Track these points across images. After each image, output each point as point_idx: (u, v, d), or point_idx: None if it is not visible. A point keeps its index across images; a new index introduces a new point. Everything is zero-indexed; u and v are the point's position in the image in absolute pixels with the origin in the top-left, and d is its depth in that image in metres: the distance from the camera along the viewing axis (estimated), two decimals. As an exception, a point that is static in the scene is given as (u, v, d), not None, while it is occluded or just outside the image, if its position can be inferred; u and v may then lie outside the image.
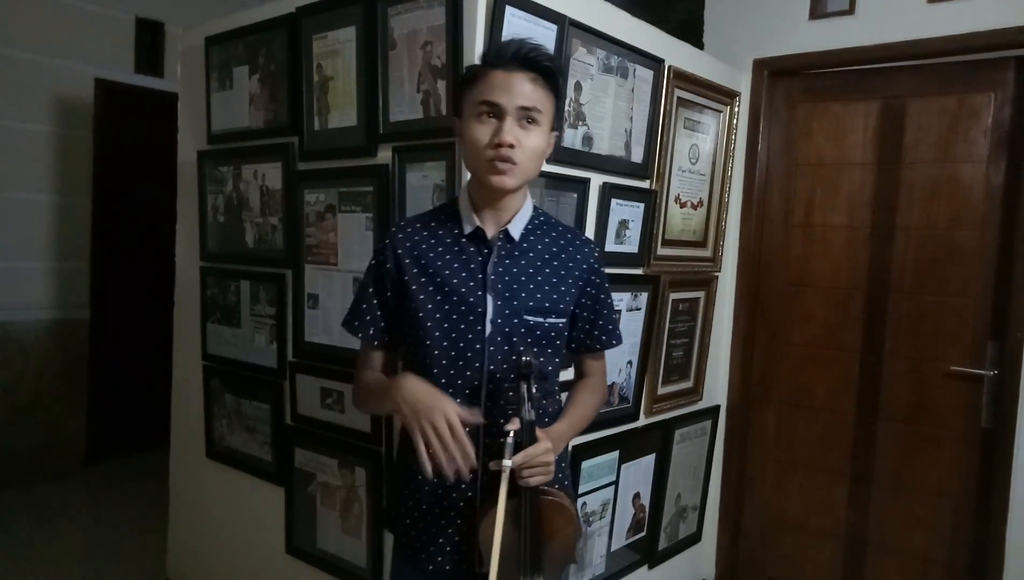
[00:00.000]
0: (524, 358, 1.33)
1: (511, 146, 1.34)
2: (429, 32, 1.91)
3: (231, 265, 2.58)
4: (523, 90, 1.35)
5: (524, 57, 1.36)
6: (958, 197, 2.59)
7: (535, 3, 1.92)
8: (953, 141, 2.60)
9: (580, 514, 2.19)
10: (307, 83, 2.24)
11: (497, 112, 1.36)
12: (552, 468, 1.36)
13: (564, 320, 1.49)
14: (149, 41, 4.25)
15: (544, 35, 1.95)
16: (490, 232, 1.45)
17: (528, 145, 1.37)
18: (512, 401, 1.37)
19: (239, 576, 2.62)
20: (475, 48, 1.83)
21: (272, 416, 2.45)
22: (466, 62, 1.83)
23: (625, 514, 2.54)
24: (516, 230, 1.46)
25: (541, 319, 1.44)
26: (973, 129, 2.57)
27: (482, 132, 1.36)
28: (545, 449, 1.33)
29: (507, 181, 1.37)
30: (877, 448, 2.75)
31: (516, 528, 1.36)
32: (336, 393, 2.22)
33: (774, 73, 2.91)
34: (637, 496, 2.58)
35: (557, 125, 1.50)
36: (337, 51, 2.15)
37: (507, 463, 1.29)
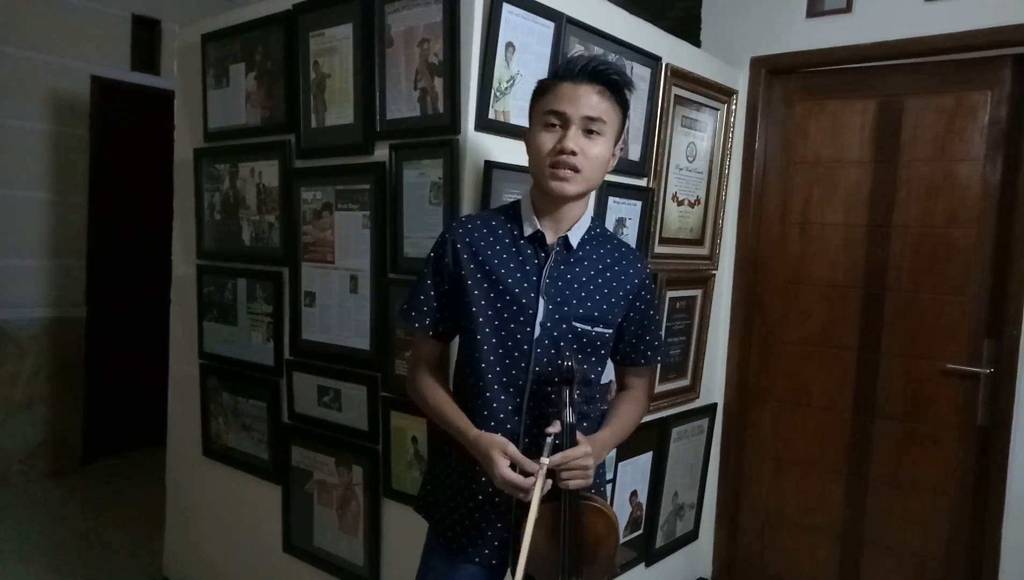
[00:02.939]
0: (567, 363, 1.35)
1: (574, 153, 1.38)
2: (426, 29, 1.91)
3: (228, 263, 2.58)
4: (589, 101, 1.39)
5: (592, 71, 1.40)
6: (955, 195, 2.60)
7: (533, 0, 1.91)
8: (950, 139, 2.60)
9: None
10: (304, 81, 2.24)
11: (563, 121, 1.40)
12: (591, 473, 1.38)
13: (611, 331, 1.51)
14: (145, 38, 4.24)
15: (541, 33, 1.95)
16: (549, 237, 1.48)
17: (591, 153, 1.41)
18: (554, 404, 1.39)
19: (236, 574, 2.62)
20: (472, 45, 1.82)
21: (269, 414, 2.45)
22: (463, 60, 1.83)
23: (622, 512, 2.54)
24: (575, 238, 1.49)
25: (589, 327, 1.46)
26: (970, 127, 2.57)
27: (547, 139, 1.41)
28: (584, 452, 1.35)
29: (568, 188, 1.41)
30: (874, 446, 2.76)
31: (556, 532, 1.37)
32: (333, 391, 2.22)
33: (771, 71, 2.91)
34: (634, 494, 2.58)
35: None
36: (334, 48, 2.14)
37: (544, 461, 1.31)
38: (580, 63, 1.41)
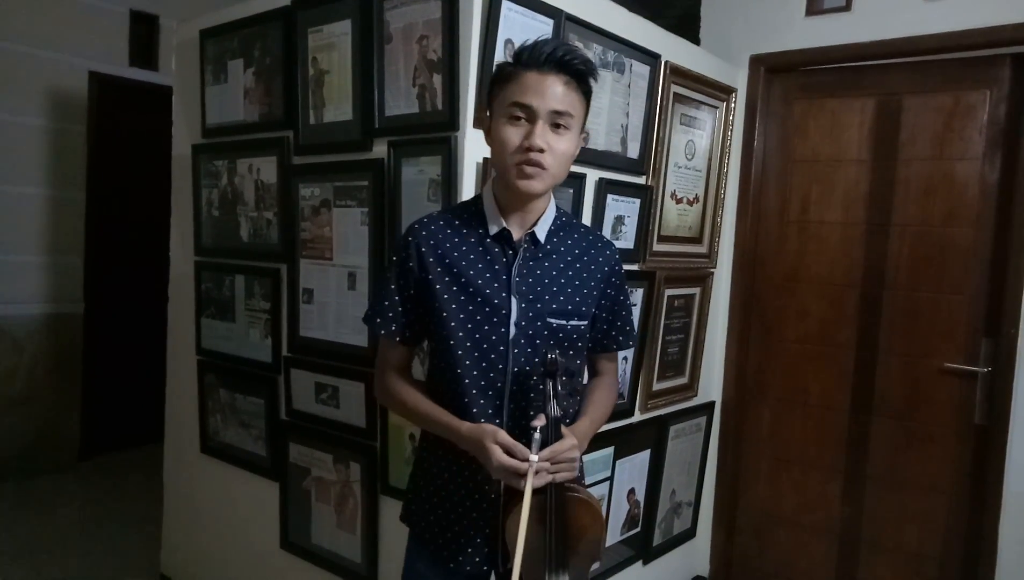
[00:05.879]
0: (550, 355, 1.34)
1: (541, 151, 1.34)
2: (425, 26, 1.90)
3: (226, 259, 2.58)
4: (556, 93, 1.35)
5: (559, 60, 1.35)
6: (953, 194, 2.60)
7: (531, -3, 1.91)
8: (948, 138, 2.61)
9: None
10: (302, 77, 2.23)
11: (529, 115, 1.35)
12: (577, 465, 1.38)
13: (587, 323, 1.49)
14: (143, 34, 4.23)
15: (540, 30, 1.95)
16: (516, 233, 1.44)
17: (558, 149, 1.37)
18: (538, 398, 1.38)
19: (233, 571, 2.62)
20: (471, 42, 1.82)
21: (266, 411, 2.45)
22: (462, 56, 1.83)
23: (620, 510, 2.54)
24: (542, 232, 1.46)
25: (564, 322, 1.44)
26: (968, 126, 2.57)
27: (513, 134, 1.36)
28: (571, 445, 1.34)
29: (535, 186, 1.38)
30: (871, 444, 2.76)
31: (542, 524, 1.37)
32: (331, 388, 2.22)
33: (770, 69, 2.91)
34: (632, 492, 2.59)
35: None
36: (332, 45, 2.14)
37: (533, 458, 1.30)
38: (546, 50, 1.34)
